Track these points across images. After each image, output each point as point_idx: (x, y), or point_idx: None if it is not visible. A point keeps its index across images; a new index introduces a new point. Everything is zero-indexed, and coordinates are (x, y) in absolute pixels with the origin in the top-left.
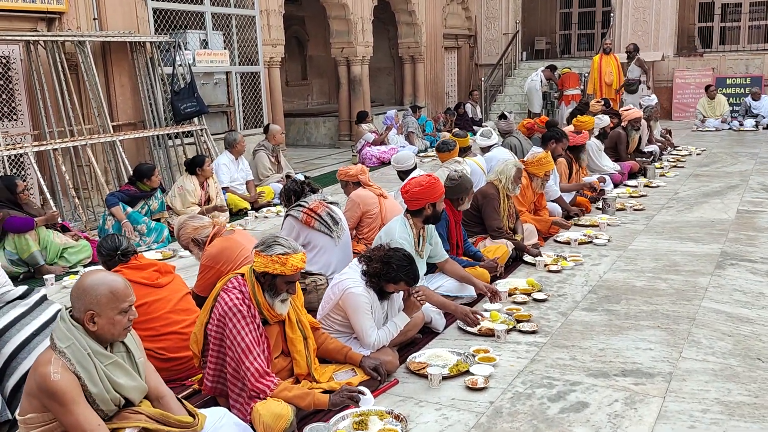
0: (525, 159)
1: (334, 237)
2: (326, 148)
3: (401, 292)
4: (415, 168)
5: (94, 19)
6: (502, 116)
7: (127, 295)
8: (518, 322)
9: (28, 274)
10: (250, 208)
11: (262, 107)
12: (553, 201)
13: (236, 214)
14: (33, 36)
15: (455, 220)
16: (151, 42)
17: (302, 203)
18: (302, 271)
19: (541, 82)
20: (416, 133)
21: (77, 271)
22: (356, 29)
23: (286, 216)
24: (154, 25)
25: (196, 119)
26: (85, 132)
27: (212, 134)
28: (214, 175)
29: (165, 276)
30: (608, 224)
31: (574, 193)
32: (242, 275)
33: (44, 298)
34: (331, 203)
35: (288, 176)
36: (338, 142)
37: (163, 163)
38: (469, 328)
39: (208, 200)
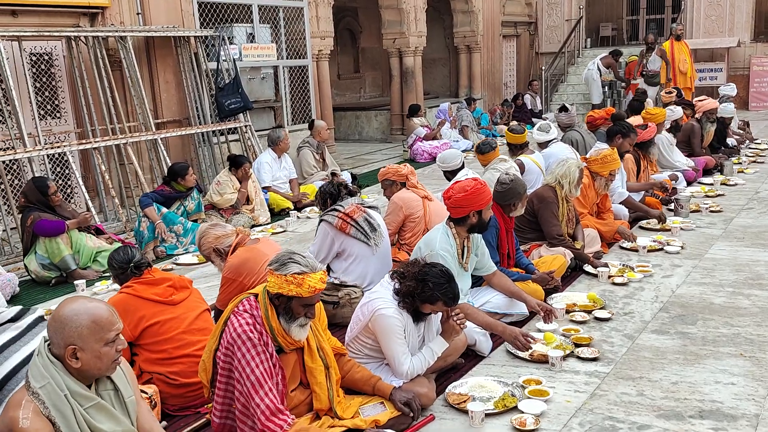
0: (588, 156)
1: (372, 245)
2: (377, 143)
3: (440, 313)
4: (462, 167)
5: (138, 13)
6: (563, 108)
7: (112, 323)
8: (576, 346)
9: (61, 278)
10: (292, 208)
11: (310, 102)
12: (620, 203)
13: (278, 214)
14: (74, 32)
15: (506, 227)
16: (195, 36)
17: (337, 207)
18: (336, 282)
19: (599, 70)
20: (471, 127)
21: (110, 276)
22: (409, 19)
23: (320, 221)
24: (200, 19)
25: (241, 115)
26: (127, 130)
27: (259, 130)
28: (254, 174)
29: (180, 291)
30: (681, 228)
31: (643, 193)
32: (255, 296)
33: (40, 319)
34: (369, 207)
35: (333, 174)
36: (390, 137)
37: (207, 161)
38: (519, 353)
39: (248, 200)
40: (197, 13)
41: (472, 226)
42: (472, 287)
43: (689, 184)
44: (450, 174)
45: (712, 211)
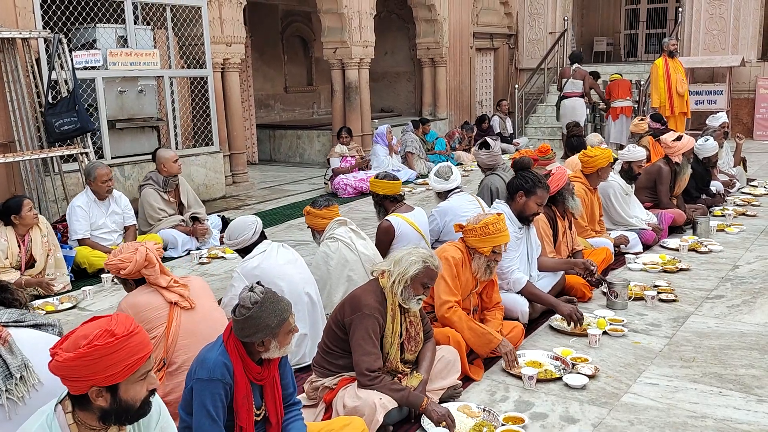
0: (466, 223)
1: (2, 402)
2: (319, 167)
3: None
4: (259, 240)
5: None
6: (484, 144)
7: None
8: None
9: None
10: None
11: (211, 121)
12: (519, 293)
13: (95, 276)
14: None
15: (254, 378)
16: (21, 39)
17: None
18: None
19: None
20: (418, 154)
21: None
22: (351, 26)
23: None
24: (44, 18)
25: (102, 139)
26: None
27: (136, 155)
28: (43, 224)
29: None
30: (606, 332)
31: (562, 273)
32: None
33: None
34: (36, 326)
35: (195, 218)
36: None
37: (51, 196)
38: None
39: (32, 261)
40: (39, 10)
41: (104, 413)
42: None
43: (647, 248)
44: (243, 252)
45: (662, 301)
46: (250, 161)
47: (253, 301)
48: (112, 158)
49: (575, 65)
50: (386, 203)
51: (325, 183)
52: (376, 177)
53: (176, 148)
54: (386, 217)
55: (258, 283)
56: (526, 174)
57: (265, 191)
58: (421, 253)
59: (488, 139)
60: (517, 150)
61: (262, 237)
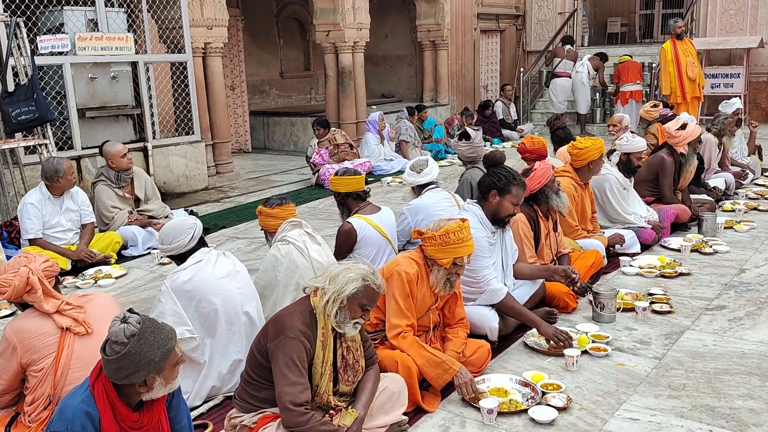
0: (425, 229)
1: None
2: None
3: None
4: (197, 247)
5: None
6: (464, 135)
7: None
8: None
9: None
10: (68, 268)
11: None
12: (495, 306)
13: None
14: None
15: (131, 427)
16: None
17: None
18: None
19: (588, 73)
20: (412, 142)
21: None
22: (344, 7)
23: None
24: (5, 1)
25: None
26: None
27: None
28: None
29: None
30: (588, 351)
31: (542, 281)
32: None
33: None
34: None
35: (152, 216)
36: None
37: (17, 187)
38: None
39: None
40: None
41: None
42: None
43: (646, 248)
44: (178, 260)
45: (655, 312)
46: (243, 149)
47: (129, 334)
48: (83, 149)
49: (567, 46)
50: (349, 202)
51: (313, 174)
52: (336, 174)
53: (154, 138)
54: (348, 219)
55: (130, 310)
56: (498, 170)
57: (251, 182)
58: (362, 269)
59: (468, 129)
60: (521, 137)
61: (201, 243)
